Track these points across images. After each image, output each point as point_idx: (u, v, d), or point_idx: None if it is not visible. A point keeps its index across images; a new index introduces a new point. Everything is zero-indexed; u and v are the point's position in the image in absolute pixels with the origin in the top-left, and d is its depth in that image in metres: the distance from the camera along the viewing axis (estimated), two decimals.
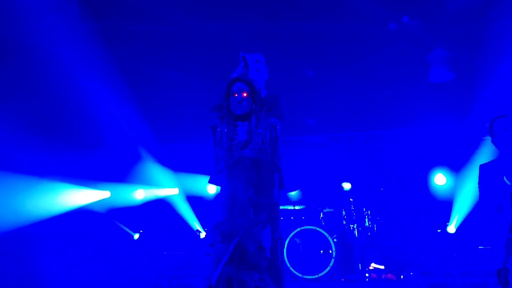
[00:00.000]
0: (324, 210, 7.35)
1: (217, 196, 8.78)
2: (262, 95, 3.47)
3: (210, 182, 3.24)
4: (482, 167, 3.42)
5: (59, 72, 7.09)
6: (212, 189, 9.17)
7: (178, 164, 9.16)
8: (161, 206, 9.20)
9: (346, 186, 8.21)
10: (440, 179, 8.28)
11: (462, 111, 7.72)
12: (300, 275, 6.38)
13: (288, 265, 6.36)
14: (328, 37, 6.76)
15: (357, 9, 6.26)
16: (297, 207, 7.49)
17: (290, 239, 6.53)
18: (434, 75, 7.26)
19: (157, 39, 7.12)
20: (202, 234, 8.16)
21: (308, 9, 6.45)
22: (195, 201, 9.05)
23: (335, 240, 6.54)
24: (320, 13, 6.47)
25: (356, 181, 8.15)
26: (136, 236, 8.97)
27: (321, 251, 6.48)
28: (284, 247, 5.49)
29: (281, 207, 3.56)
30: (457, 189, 7.87)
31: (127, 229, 8.97)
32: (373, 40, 6.84)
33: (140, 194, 9.44)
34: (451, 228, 7.54)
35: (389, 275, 6.80)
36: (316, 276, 6.35)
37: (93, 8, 6.51)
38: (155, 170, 9.06)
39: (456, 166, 7.98)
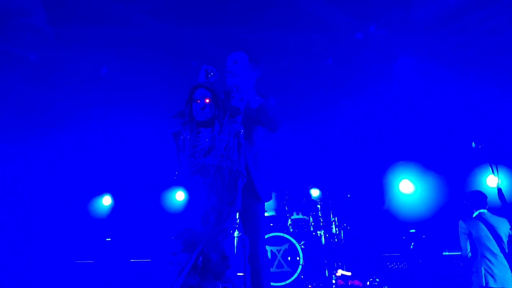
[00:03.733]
0: (292, 217, 7.35)
1: (185, 203, 8.80)
2: (255, 99, 3.39)
3: (178, 184, 3.20)
4: None
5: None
6: (180, 196, 9.10)
7: None
8: (128, 212, 9.08)
9: (314, 193, 8.24)
10: (406, 187, 8.39)
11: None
12: None
13: None
14: (296, 45, 6.82)
15: (324, 18, 6.33)
16: (266, 214, 7.46)
17: None
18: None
19: (127, 44, 7.07)
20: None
21: (275, 17, 6.48)
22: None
23: (302, 246, 6.55)
24: (287, 22, 6.51)
25: (324, 187, 8.20)
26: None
27: (289, 258, 6.47)
28: (248, 255, 5.43)
29: None
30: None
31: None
32: (341, 49, 6.93)
33: (106, 201, 9.30)
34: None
35: (356, 282, 6.83)
36: (283, 283, 6.34)
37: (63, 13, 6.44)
38: None
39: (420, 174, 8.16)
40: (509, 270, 4.42)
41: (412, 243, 7.28)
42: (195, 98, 3.08)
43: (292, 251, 6.51)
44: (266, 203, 3.62)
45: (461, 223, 4.77)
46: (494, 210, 4.94)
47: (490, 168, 3.69)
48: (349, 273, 6.97)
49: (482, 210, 4.76)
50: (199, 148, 2.99)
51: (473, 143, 4.03)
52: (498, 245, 4.52)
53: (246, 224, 3.44)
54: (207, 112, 3.04)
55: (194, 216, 2.92)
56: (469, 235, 4.70)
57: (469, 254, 4.70)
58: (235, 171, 2.95)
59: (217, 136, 2.98)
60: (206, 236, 2.83)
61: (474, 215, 4.83)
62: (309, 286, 6.58)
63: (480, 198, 4.84)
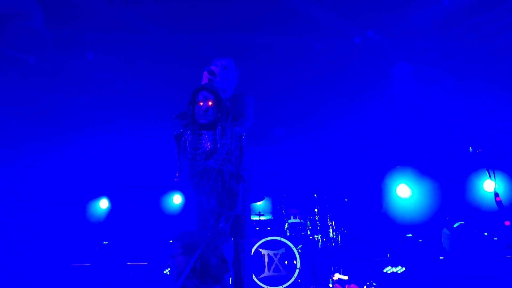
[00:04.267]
0: (289, 221, 7.35)
1: (184, 206, 8.83)
2: (228, 95, 3.43)
3: (178, 186, 3.17)
4: None
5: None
6: (177, 199, 9.09)
7: None
8: (125, 215, 9.06)
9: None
10: (403, 191, 8.38)
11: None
12: (264, 286, 6.35)
13: (253, 276, 6.32)
14: (293, 49, 6.84)
15: (323, 22, 6.35)
16: (262, 218, 7.47)
17: (255, 250, 6.51)
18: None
19: (125, 47, 7.06)
20: None
21: (273, 22, 6.50)
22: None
23: (299, 250, 6.55)
24: (285, 26, 6.53)
25: (322, 191, 8.20)
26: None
27: (286, 262, 6.47)
28: (246, 260, 5.43)
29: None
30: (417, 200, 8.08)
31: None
32: (339, 53, 6.95)
33: (104, 204, 9.27)
34: None
35: (353, 286, 6.84)
36: (280, 287, 6.33)
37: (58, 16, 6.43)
38: None
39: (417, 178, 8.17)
40: None
41: (388, 255, 7.33)
42: (198, 100, 3.04)
43: (289, 255, 6.50)
44: (260, 206, 3.60)
45: (445, 230, 5.39)
46: (491, 215, 5.07)
47: (487, 173, 3.74)
48: (346, 277, 6.97)
49: (461, 222, 5.44)
50: (201, 150, 2.96)
51: (470, 148, 4.07)
52: None
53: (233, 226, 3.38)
54: (209, 115, 3.01)
55: (193, 219, 2.91)
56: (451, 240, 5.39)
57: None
58: (236, 175, 2.94)
59: (219, 140, 2.96)
60: (206, 239, 2.83)
61: (455, 226, 5.39)
62: None
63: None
